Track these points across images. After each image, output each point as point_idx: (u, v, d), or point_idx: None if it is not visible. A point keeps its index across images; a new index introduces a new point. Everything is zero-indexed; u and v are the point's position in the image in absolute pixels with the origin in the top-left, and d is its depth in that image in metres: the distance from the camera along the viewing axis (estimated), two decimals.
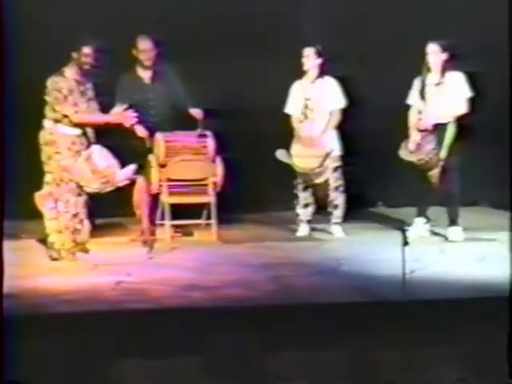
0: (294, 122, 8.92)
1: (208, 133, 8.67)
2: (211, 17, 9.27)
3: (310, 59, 8.83)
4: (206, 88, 8.81)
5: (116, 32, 8.72)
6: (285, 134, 8.95)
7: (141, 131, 8.54)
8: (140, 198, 8.45)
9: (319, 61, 8.82)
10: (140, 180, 8.35)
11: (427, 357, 5.36)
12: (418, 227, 8.78)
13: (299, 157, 8.81)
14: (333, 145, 8.83)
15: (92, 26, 8.58)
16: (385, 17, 9.38)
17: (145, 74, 8.86)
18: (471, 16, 9.31)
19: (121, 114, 8.17)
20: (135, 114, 8.09)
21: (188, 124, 8.74)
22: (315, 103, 8.86)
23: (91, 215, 8.29)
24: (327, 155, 8.76)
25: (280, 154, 8.81)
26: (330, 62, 8.89)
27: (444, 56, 8.57)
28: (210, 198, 8.63)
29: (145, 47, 8.78)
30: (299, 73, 8.92)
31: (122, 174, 8.08)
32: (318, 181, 8.92)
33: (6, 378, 4.15)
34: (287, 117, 8.97)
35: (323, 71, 8.89)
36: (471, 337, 5.50)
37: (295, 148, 8.87)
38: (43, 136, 7.94)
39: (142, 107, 8.54)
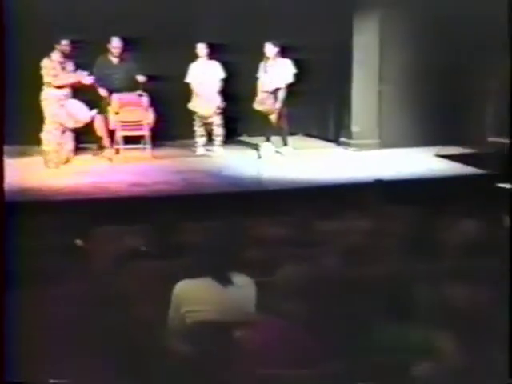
0: (193, 86, 8.83)
1: (144, 93, 8.62)
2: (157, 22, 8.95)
3: (203, 50, 8.79)
4: (147, 64, 8.65)
5: (96, 29, 8.49)
6: (188, 93, 8.88)
7: (103, 92, 8.48)
8: (100, 128, 8.42)
9: (208, 50, 8.77)
10: (98, 117, 8.34)
11: (270, 223, 5.38)
12: (266, 148, 8.90)
13: (200, 107, 8.83)
14: (219, 100, 8.86)
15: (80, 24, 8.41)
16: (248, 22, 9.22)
17: (113, 58, 8.71)
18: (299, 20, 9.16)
19: (79, 76, 8.10)
20: (91, 77, 8.08)
21: (135, 88, 8.62)
22: (207, 75, 8.82)
23: (77, 141, 8.32)
24: (218, 107, 8.84)
25: (191, 105, 8.80)
26: (215, 51, 8.81)
27: (276, 50, 8.66)
28: (146, 132, 8.64)
29: (116, 44, 8.63)
30: (194, 57, 8.81)
31: (87, 115, 8.13)
32: (209, 121, 8.97)
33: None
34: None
35: (211, 56, 8.82)
36: (298, 211, 5.34)
37: (196, 101, 8.83)
38: (42, 95, 7.90)
39: (109, 78, 8.51)
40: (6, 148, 7.98)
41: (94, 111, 8.22)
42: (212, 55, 8.84)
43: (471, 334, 2.79)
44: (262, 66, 8.77)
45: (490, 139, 8.06)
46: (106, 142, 8.44)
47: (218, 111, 8.85)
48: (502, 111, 7.98)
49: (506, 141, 7.75)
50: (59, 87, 7.91)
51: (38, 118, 8.03)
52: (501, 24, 7.79)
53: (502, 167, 7.63)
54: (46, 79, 7.84)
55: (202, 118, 8.89)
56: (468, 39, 8.49)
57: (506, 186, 7.26)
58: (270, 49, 8.69)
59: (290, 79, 8.70)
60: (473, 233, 4.61)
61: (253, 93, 8.84)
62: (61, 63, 7.93)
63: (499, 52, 7.97)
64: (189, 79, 8.83)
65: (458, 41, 8.56)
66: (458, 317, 2.91)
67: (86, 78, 8.08)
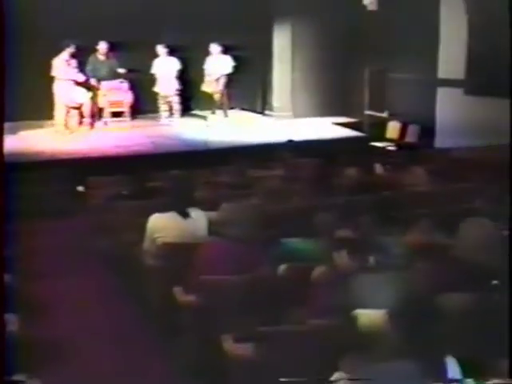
0: (156, 75, 8.38)
1: (124, 80, 8.32)
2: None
3: (161, 49, 8.40)
4: (126, 60, 8.28)
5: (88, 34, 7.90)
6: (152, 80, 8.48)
7: (93, 82, 8.13)
8: (85, 111, 7.93)
9: (166, 50, 8.40)
10: (86, 102, 7.92)
11: (215, 172, 5.23)
12: (212, 119, 8.66)
13: (162, 90, 8.50)
14: (177, 84, 8.58)
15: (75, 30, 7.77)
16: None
17: (100, 56, 8.27)
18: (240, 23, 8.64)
19: (76, 75, 7.76)
20: (84, 76, 7.77)
21: (118, 77, 8.26)
22: (166, 68, 8.46)
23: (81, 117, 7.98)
24: (176, 89, 8.57)
25: (155, 88, 8.47)
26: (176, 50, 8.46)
27: (219, 49, 8.47)
28: (126, 109, 8.37)
29: (102, 47, 8.22)
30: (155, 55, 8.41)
31: (80, 99, 7.82)
32: (169, 100, 8.64)
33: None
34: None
35: (170, 54, 8.44)
36: (235, 163, 5.04)
37: (159, 86, 8.44)
38: (54, 85, 7.62)
39: (99, 71, 8.13)
40: (28, 122, 7.71)
41: (89, 95, 7.92)
42: (171, 53, 8.44)
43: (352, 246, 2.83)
44: (208, 59, 8.59)
45: (366, 112, 8.31)
46: (86, 121, 8.07)
47: (177, 92, 8.61)
48: (374, 93, 8.17)
49: (376, 113, 8.01)
50: (64, 79, 7.68)
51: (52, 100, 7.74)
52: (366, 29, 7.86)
53: (375, 131, 7.85)
54: (54, 73, 7.60)
55: (164, 97, 8.63)
56: (353, 41, 8.57)
57: (377, 144, 7.54)
58: (214, 48, 8.52)
59: (230, 70, 8.55)
60: (355, 176, 4.73)
61: (201, 79, 8.66)
62: (67, 61, 7.66)
63: (377, 51, 8.00)
64: (153, 70, 8.55)
65: (347, 41, 8.63)
66: (345, 237, 2.97)
67: (80, 77, 7.78)
